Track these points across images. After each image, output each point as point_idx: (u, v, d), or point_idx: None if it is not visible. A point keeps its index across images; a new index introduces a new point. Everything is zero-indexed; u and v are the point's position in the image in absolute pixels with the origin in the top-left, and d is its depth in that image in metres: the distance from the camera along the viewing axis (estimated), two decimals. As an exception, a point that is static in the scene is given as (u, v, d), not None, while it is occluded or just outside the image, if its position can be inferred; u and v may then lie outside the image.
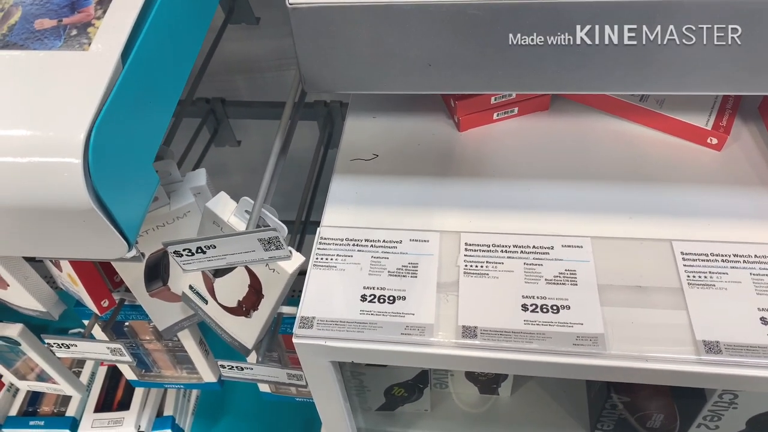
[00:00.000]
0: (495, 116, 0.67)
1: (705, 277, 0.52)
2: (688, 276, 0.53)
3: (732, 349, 0.48)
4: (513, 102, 0.66)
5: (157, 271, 0.69)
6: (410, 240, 0.58)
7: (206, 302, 0.67)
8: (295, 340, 0.52)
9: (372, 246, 0.57)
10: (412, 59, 0.50)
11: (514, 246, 0.56)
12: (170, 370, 0.91)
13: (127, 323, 0.82)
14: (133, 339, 0.85)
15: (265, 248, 0.51)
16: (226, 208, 0.57)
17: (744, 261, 0.53)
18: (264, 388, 0.87)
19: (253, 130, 1.11)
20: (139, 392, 1.14)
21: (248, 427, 1.20)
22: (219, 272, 0.62)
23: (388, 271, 0.55)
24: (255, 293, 0.60)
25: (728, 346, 0.48)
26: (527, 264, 0.55)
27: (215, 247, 0.51)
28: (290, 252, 0.52)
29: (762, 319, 0.50)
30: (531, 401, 0.77)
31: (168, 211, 0.63)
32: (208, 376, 0.89)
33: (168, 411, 1.16)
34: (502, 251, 0.56)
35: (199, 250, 0.52)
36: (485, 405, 0.77)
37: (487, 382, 0.75)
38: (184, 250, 0.52)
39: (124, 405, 1.13)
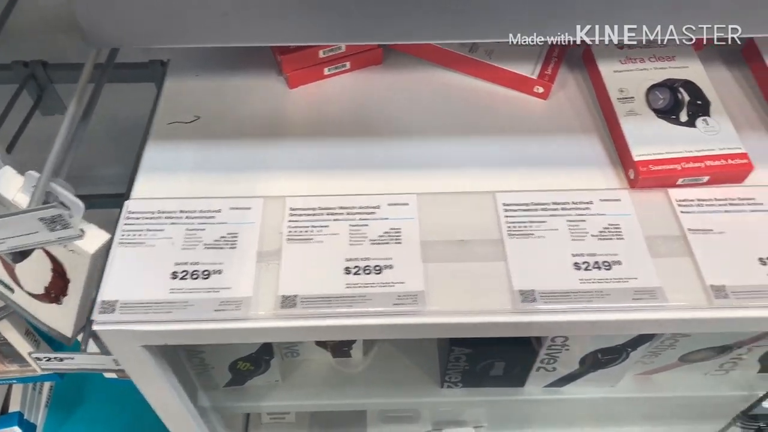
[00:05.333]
0: (326, 71, 0.64)
1: (524, 226, 0.53)
2: (509, 227, 0.53)
3: (546, 296, 0.49)
4: (343, 56, 0.63)
5: (-51, 261, 0.61)
6: (230, 208, 0.54)
7: (12, 291, 0.60)
8: (95, 327, 0.47)
9: (187, 218, 0.53)
10: (204, 7, 0.45)
11: (341, 208, 0.54)
12: (-1, 366, 0.82)
13: (-68, 320, 0.72)
14: (-56, 337, 0.75)
15: (50, 228, 0.46)
16: (11, 185, 0.50)
17: (562, 208, 0.54)
18: (110, 374, 0.81)
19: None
20: (-24, 391, 1.04)
21: (109, 413, 1.12)
22: (17, 257, 0.55)
23: (204, 244, 0.51)
24: (60, 278, 0.54)
25: (543, 293, 0.49)
26: (353, 225, 0.53)
27: (-13, 230, 0.45)
28: (81, 231, 0.47)
29: (575, 264, 0.51)
30: (384, 360, 0.77)
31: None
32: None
33: (14, 407, 1.06)
34: (328, 214, 0.54)
35: (-30, 235, 0.45)
36: (339, 369, 0.76)
37: (337, 345, 0.74)
38: (-51, 235, 0.45)
39: (-41, 407, 1.02)
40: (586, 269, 0.50)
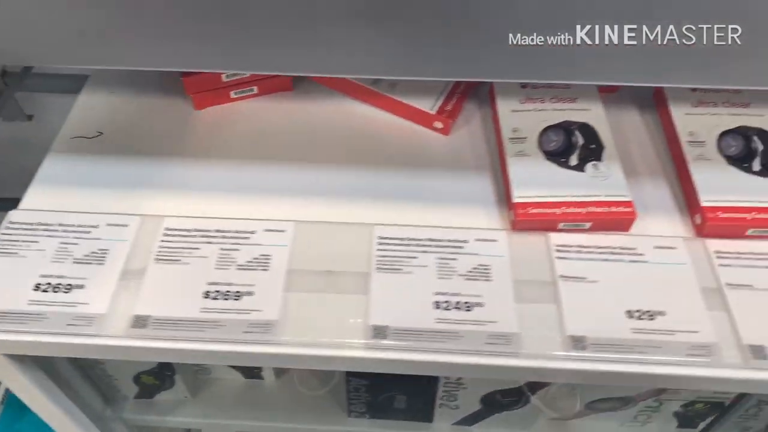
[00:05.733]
0: (233, 95, 0.65)
1: (395, 261, 0.52)
2: (378, 260, 0.52)
3: (399, 333, 0.48)
4: (249, 81, 0.64)
5: None
6: (107, 224, 0.55)
7: None
8: (-51, 335, 0.48)
9: (64, 231, 0.54)
10: (58, 25, 0.45)
11: (216, 231, 0.54)
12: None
13: None
14: None
15: None
16: None
17: (436, 245, 0.53)
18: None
19: (51, 104, 1.04)
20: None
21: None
22: None
23: (74, 258, 0.52)
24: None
25: (396, 330, 0.48)
26: (223, 249, 0.53)
27: None
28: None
29: (436, 303, 0.50)
30: (298, 385, 0.76)
31: None
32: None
33: (-35, 403, 1.08)
34: (201, 236, 0.54)
35: None
36: (250, 390, 0.76)
37: (248, 366, 0.74)
38: None
39: None
40: (445, 309, 0.49)
